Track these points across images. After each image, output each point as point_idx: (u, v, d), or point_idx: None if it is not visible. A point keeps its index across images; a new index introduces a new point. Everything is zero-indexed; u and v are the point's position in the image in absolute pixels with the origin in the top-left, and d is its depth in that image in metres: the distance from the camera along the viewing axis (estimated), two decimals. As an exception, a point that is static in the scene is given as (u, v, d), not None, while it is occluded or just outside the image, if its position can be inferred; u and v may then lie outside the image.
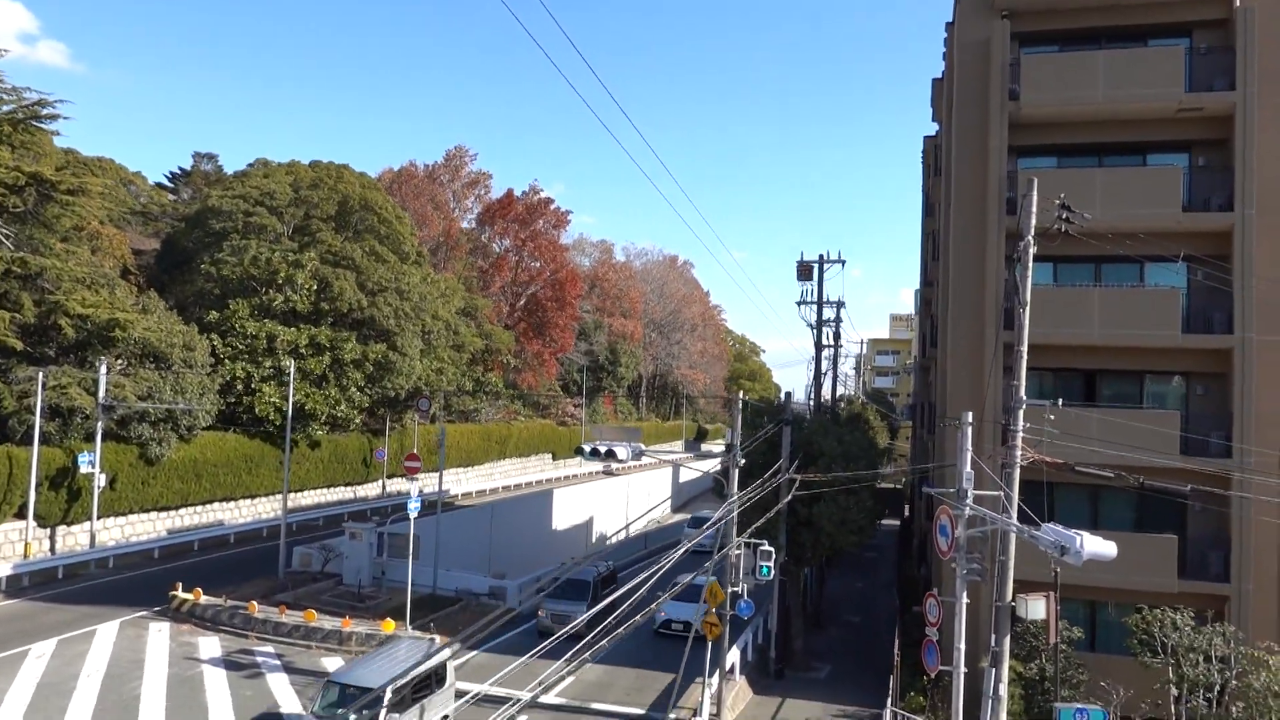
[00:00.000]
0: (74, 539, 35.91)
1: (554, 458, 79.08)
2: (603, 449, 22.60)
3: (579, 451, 24.18)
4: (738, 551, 23.33)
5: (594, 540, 63.78)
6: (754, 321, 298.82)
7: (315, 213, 49.30)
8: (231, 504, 44.30)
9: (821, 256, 38.06)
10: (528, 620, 30.47)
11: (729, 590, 23.19)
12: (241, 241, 46.85)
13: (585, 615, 18.26)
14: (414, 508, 27.49)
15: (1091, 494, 26.26)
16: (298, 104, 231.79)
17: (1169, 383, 26.69)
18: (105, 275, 38.07)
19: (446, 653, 19.56)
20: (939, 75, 36.14)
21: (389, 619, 27.58)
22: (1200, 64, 25.74)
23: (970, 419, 17.18)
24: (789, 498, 24.78)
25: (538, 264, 77.31)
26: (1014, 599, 15.91)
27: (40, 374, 32.78)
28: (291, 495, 48.65)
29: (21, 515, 33.31)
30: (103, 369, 34.91)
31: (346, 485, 52.68)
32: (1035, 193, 17.51)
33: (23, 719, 19.13)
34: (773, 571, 23.18)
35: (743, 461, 23.32)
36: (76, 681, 21.72)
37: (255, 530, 43.15)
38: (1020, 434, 17.16)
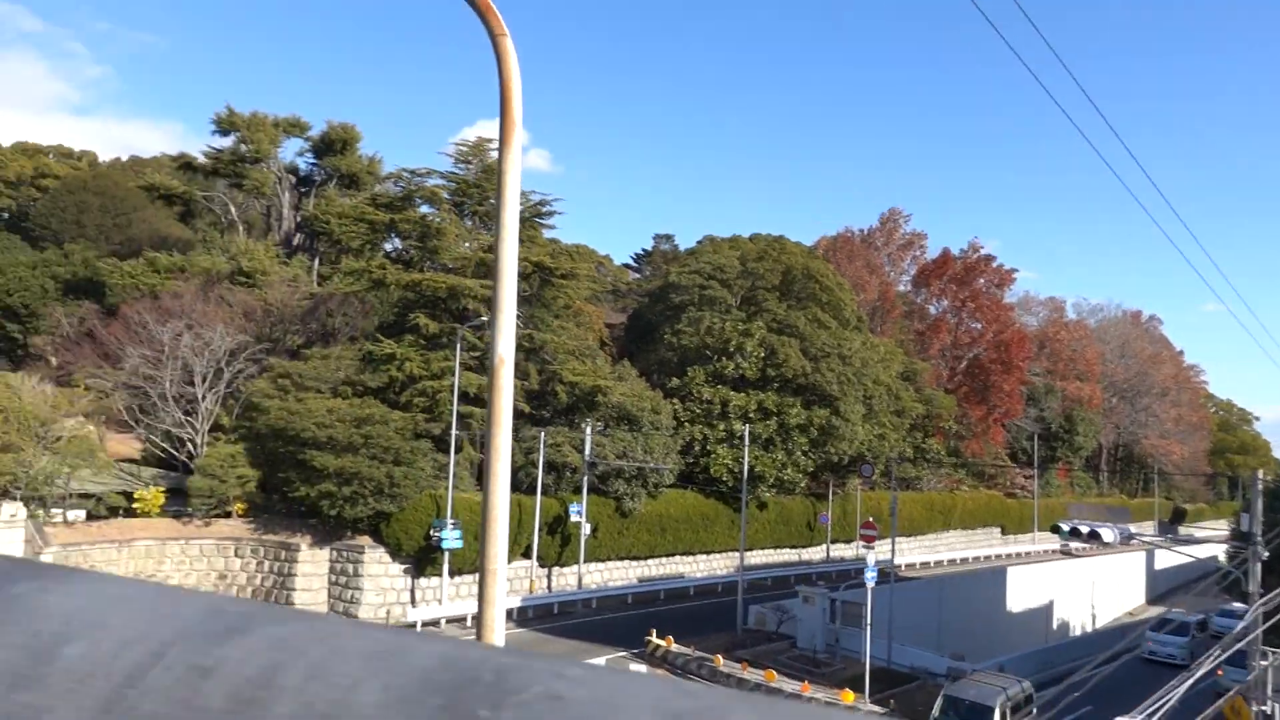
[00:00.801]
0: (564, 579, 40.70)
1: (1003, 532, 73.62)
2: (1084, 529, 20.27)
3: (1055, 530, 21.99)
4: (1264, 662, 19.48)
5: (1053, 628, 57.88)
6: (1241, 385, 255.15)
7: (761, 283, 51.85)
8: (690, 558, 47.32)
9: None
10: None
11: (1254, 708, 19.40)
12: (697, 313, 50.67)
13: None
14: (870, 576, 27.01)
15: None
16: (737, 181, 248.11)
17: None
18: (589, 347, 43.34)
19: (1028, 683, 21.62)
20: None
21: (847, 689, 27.17)
22: None
23: None
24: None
25: (979, 325, 73.50)
26: None
27: (542, 434, 37.98)
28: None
29: (527, 555, 38.58)
30: (588, 430, 39.54)
31: (791, 547, 53.69)
32: None
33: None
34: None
35: (1265, 554, 19.55)
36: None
37: (711, 585, 45.55)
38: None
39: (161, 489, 35.69)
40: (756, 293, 52.11)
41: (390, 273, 39.36)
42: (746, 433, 39.82)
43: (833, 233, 76.72)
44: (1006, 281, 75.17)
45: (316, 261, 51.47)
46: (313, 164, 54.44)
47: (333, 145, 52.15)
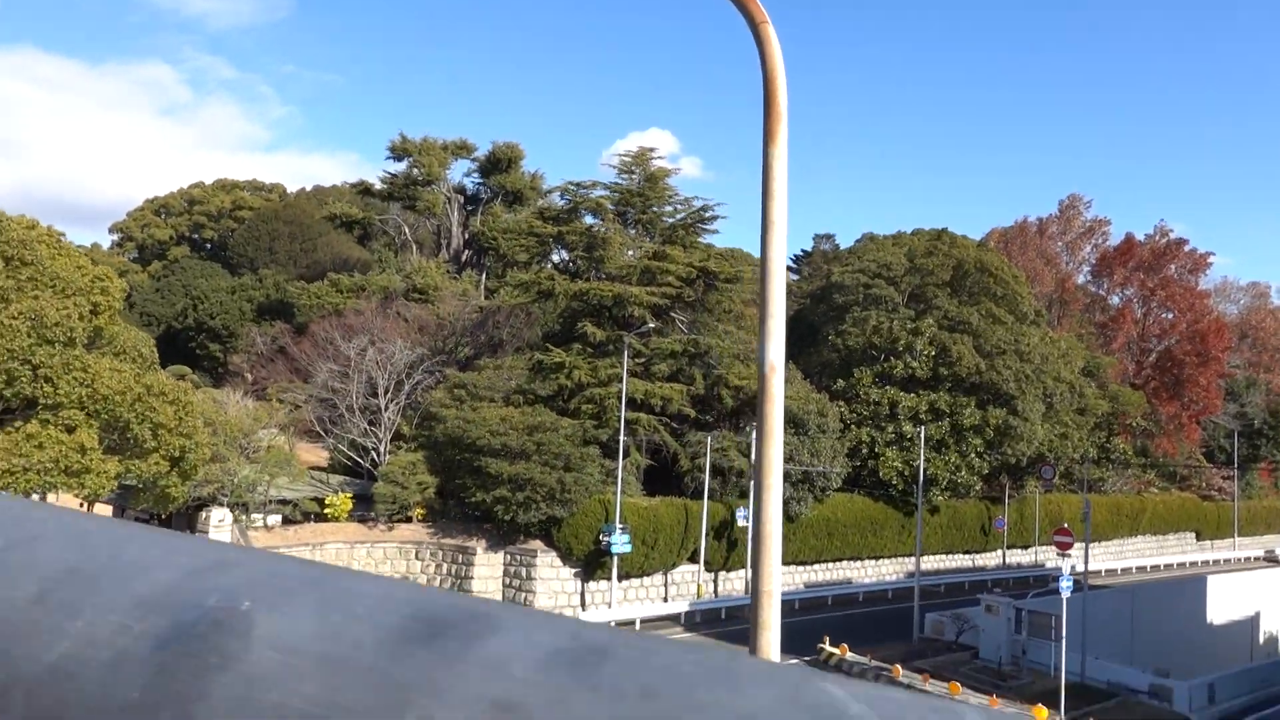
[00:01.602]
0: (731, 584, 40.53)
1: (1198, 537, 68.08)
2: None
3: (1271, 558, 20.00)
4: None
5: (1259, 643, 52.88)
6: None
7: (930, 279, 50.07)
8: (857, 563, 46.17)
9: None
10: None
11: None
12: (862, 313, 49.44)
13: None
14: (1066, 586, 25.49)
15: None
16: (898, 177, 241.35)
17: None
18: (753, 350, 43.00)
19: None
20: None
21: (1040, 705, 25.73)
22: None
23: None
24: None
25: (1170, 315, 68.31)
26: None
27: (709, 438, 37.98)
28: (909, 559, 49.09)
29: (694, 560, 38.66)
30: (754, 433, 39.20)
31: (965, 553, 51.53)
32: None
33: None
34: None
35: None
36: None
37: (881, 591, 44.29)
38: None
39: (349, 495, 37.92)
40: (925, 289, 50.34)
41: (558, 283, 40.44)
42: (922, 434, 38.44)
43: (1005, 225, 73.23)
44: (1201, 266, 69.60)
45: (484, 276, 53.56)
46: (479, 183, 56.72)
47: (498, 164, 54.14)
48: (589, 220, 43.43)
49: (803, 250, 66.40)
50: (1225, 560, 65.15)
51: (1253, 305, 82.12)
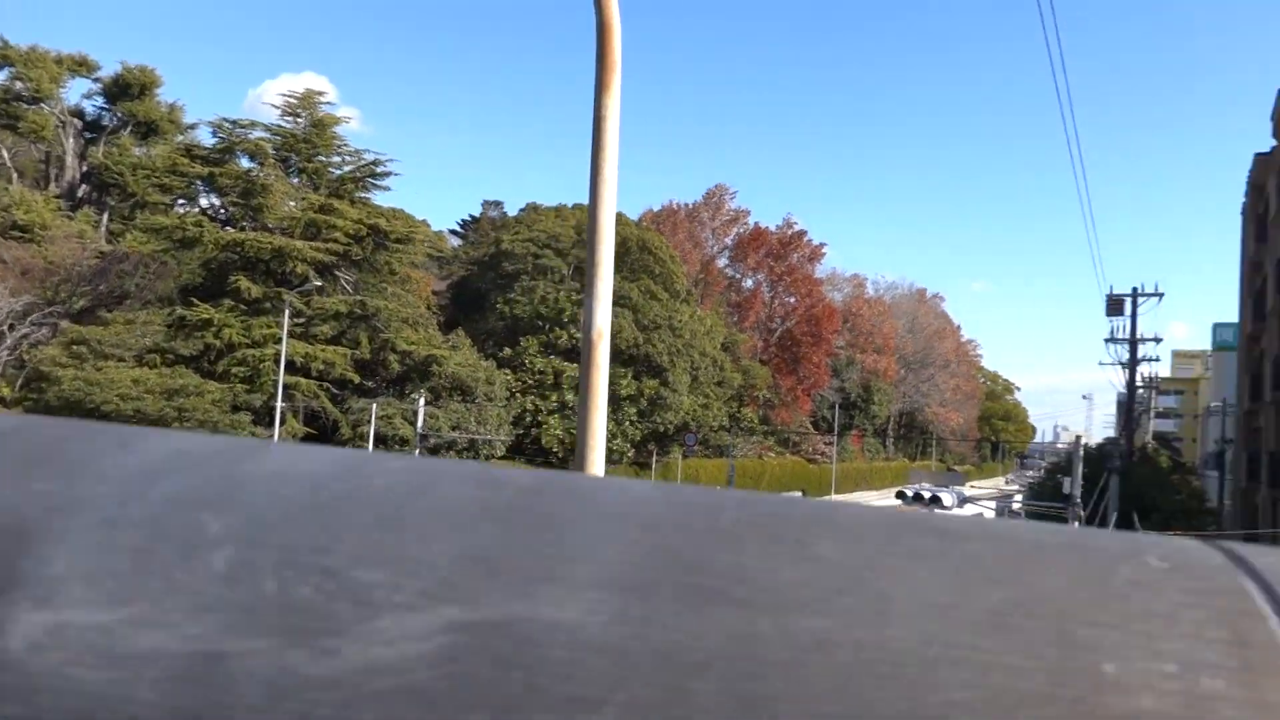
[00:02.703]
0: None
1: (804, 495, 77.94)
2: (926, 494, 21.77)
3: (900, 496, 23.47)
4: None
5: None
6: (1008, 358, 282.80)
7: (595, 254, 51.82)
8: (518, 530, 46.96)
9: (1135, 290, 35.23)
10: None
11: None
12: (530, 282, 49.99)
13: None
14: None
15: None
16: (557, 151, 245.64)
17: None
18: (422, 315, 41.79)
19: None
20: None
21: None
22: None
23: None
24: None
25: (793, 299, 77.01)
26: None
27: (374, 405, 36.35)
28: (569, 523, 51.01)
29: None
30: (420, 401, 38.19)
31: (615, 516, 54.44)
32: None
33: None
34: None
35: (1083, 514, 21.70)
36: None
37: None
38: None
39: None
40: (589, 263, 52.00)
41: (207, 231, 36.15)
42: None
43: (657, 206, 77.78)
44: (817, 257, 79.11)
45: (106, 216, 46.47)
46: (104, 108, 48.92)
47: (128, 89, 46.97)
48: (245, 164, 39.26)
49: (470, 215, 65.76)
50: (826, 515, 75.21)
51: (853, 294, 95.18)
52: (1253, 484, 39.09)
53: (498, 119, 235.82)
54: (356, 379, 37.61)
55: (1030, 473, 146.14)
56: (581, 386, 3.89)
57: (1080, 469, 20.93)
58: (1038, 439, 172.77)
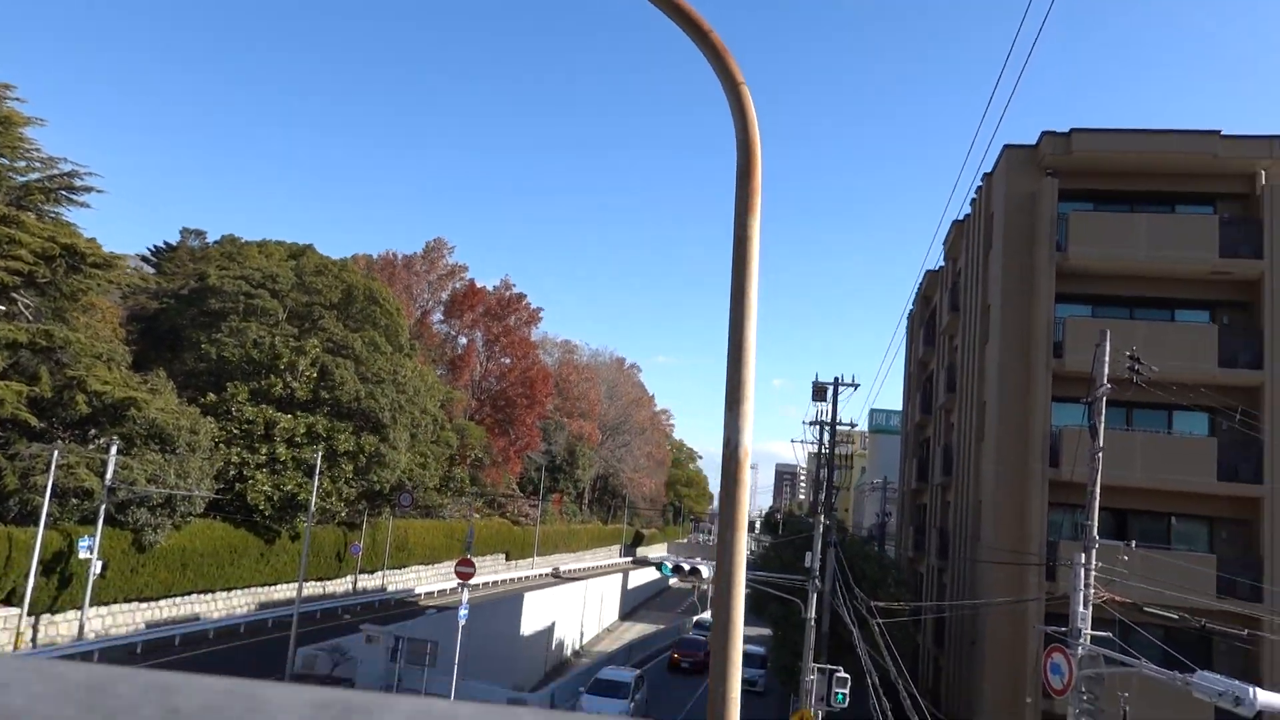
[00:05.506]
0: (56, 628, 33.64)
1: (508, 557, 77.50)
2: (686, 566, 22.66)
3: (659, 568, 24.17)
4: (811, 677, 23.50)
5: (553, 649, 62.08)
6: (692, 425, 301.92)
7: (318, 299, 48.80)
8: (208, 595, 42.16)
9: (837, 379, 39.22)
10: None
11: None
12: (241, 323, 45.94)
13: None
14: (464, 614, 26.86)
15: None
16: (261, 182, 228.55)
17: (1195, 525, 28.32)
18: (118, 351, 36.89)
19: None
20: (959, 218, 38.56)
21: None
22: (1226, 232, 28.30)
23: (1083, 560, 18.10)
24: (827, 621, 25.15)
25: (508, 360, 77.29)
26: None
27: (55, 452, 31.26)
28: (266, 589, 46.60)
29: (9, 602, 31.17)
30: (113, 450, 33.48)
31: (318, 579, 50.66)
32: (1108, 343, 19.05)
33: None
34: (847, 698, 23.37)
35: (820, 584, 23.67)
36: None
37: (233, 626, 41.01)
38: (1093, 573, 18.36)
39: None
40: (313, 309, 48.82)
41: None
42: (318, 457, 36.95)
43: (373, 253, 75.05)
44: (534, 320, 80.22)
45: None
46: None
47: None
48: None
49: (166, 243, 59.17)
50: (526, 577, 75.31)
51: (563, 359, 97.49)
52: (918, 553, 44.80)
53: (190, 141, 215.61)
54: (33, 421, 32.17)
55: (705, 537, 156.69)
56: (721, 507, 3.77)
57: (820, 545, 22.93)
58: (714, 505, 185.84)
